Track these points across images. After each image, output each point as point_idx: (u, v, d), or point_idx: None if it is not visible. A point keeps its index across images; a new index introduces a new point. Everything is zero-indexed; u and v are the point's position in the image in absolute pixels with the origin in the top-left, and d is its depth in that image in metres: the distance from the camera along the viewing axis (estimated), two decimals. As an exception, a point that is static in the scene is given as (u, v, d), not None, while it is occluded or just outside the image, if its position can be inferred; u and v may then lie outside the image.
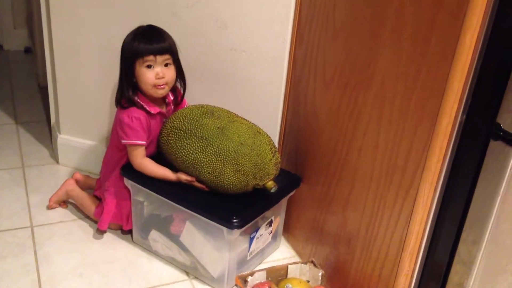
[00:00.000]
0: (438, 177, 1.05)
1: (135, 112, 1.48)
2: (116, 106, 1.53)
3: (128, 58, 1.46)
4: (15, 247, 1.55)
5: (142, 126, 1.48)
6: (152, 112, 1.50)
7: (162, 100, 1.56)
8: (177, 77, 1.52)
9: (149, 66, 1.44)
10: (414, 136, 1.07)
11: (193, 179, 1.44)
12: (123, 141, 1.49)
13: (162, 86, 1.47)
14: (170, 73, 1.48)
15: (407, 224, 1.12)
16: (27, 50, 3.33)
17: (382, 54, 1.14)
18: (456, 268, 1.08)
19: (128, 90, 1.48)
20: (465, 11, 0.90)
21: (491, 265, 1.05)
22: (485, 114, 0.96)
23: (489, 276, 1.06)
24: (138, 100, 1.49)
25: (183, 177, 1.45)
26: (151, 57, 1.44)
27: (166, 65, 1.47)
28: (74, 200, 1.73)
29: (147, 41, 1.44)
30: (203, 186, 1.44)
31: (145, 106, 1.49)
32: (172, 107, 1.58)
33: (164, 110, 1.55)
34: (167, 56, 1.46)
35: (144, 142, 1.49)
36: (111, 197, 1.60)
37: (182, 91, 1.59)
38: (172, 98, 1.58)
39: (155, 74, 1.45)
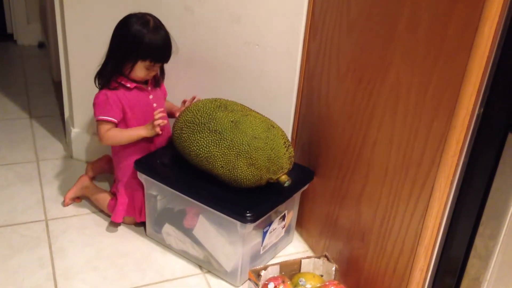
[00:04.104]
0: (454, 171, 1.04)
1: (103, 91, 1.53)
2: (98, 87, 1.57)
3: (136, 55, 1.47)
4: (30, 240, 1.56)
5: (107, 102, 1.51)
6: (129, 86, 1.53)
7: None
8: None
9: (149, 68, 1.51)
10: (430, 130, 1.06)
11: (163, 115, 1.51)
12: (95, 119, 1.54)
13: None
14: (158, 69, 1.57)
15: (422, 218, 1.11)
16: (41, 45, 3.34)
17: (397, 47, 1.13)
18: (472, 262, 1.07)
19: (112, 73, 1.52)
20: (484, 1, 0.88)
21: (508, 260, 1.03)
22: (503, 107, 0.95)
23: (506, 271, 1.04)
24: (117, 81, 1.53)
25: (155, 122, 1.49)
26: (159, 64, 1.53)
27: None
28: (89, 196, 1.74)
29: (161, 48, 1.48)
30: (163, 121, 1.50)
31: (120, 81, 1.53)
32: (151, 86, 1.61)
33: (143, 86, 1.58)
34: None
35: (108, 118, 1.52)
36: (124, 188, 1.61)
37: (160, 75, 1.63)
38: (152, 78, 1.61)
39: (150, 72, 1.52)
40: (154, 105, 1.59)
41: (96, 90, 1.57)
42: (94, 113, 1.54)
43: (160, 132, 1.52)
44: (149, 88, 1.59)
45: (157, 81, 1.62)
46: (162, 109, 1.53)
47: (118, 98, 1.53)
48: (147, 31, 1.46)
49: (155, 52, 1.48)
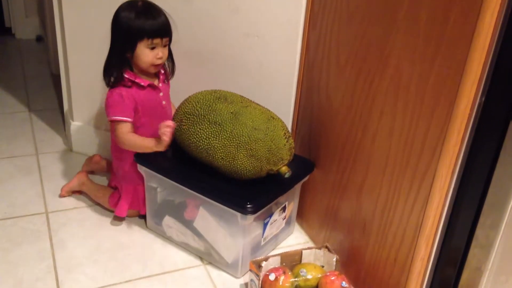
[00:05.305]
0: (455, 161, 1.04)
1: (117, 89, 1.49)
2: (107, 85, 1.53)
3: (131, 36, 1.44)
4: (30, 233, 1.56)
5: (122, 101, 1.48)
6: (142, 84, 1.51)
7: (154, 74, 1.56)
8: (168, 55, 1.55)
9: (152, 48, 1.46)
10: (431, 119, 1.05)
11: (172, 125, 1.45)
12: (108, 119, 1.51)
13: (159, 66, 1.51)
14: (166, 53, 1.51)
15: (423, 208, 1.11)
16: (39, 39, 3.33)
17: (397, 36, 1.12)
18: (473, 252, 1.07)
19: (119, 67, 1.48)
20: (485, -10, 0.88)
21: (510, 249, 1.03)
22: (504, 96, 0.94)
23: (507, 260, 1.04)
24: (127, 76, 1.49)
25: (160, 132, 1.45)
26: (159, 40, 1.45)
27: (164, 45, 1.49)
28: (88, 193, 1.73)
29: (155, 22, 1.44)
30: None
31: (134, 80, 1.50)
32: (163, 83, 1.59)
33: (155, 83, 1.55)
34: (168, 38, 1.49)
35: (125, 118, 1.49)
36: (127, 183, 1.60)
37: (171, 69, 1.60)
38: (163, 74, 1.59)
39: (155, 55, 1.47)
40: (163, 102, 1.58)
41: (97, 82, 1.56)
42: (108, 113, 1.50)
43: (167, 140, 1.47)
44: (160, 85, 1.56)
45: (167, 76, 1.60)
46: (170, 123, 1.46)
47: (132, 96, 1.49)
48: (136, 10, 1.43)
49: (148, 26, 1.43)
